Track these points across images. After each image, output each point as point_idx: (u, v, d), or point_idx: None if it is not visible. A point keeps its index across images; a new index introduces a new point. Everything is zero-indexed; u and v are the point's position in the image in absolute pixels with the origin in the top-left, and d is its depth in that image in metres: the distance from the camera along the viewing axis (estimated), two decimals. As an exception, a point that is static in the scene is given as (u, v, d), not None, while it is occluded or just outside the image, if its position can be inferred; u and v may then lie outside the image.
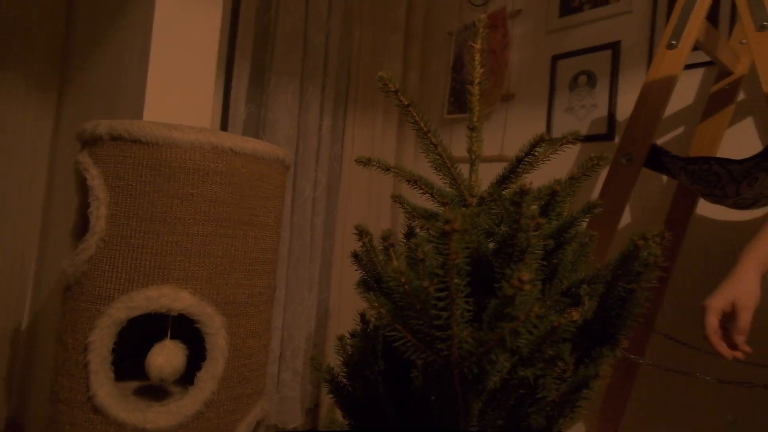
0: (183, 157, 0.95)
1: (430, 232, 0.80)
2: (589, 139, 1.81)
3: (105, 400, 0.89)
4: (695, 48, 1.23)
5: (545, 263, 0.74)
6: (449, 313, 0.50)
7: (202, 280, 0.96)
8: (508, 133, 2.09)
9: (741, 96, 1.45)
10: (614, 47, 1.75)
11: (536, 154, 0.75)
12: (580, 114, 1.83)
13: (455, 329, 0.50)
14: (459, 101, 2.25)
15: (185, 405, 0.93)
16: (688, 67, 1.57)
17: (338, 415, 0.72)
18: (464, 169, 2.21)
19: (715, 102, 1.43)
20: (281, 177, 1.13)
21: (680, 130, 1.60)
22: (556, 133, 1.91)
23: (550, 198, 0.66)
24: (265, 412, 1.12)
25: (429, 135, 0.81)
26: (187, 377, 1.00)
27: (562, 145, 0.84)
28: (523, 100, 2.03)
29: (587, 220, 0.73)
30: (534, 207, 0.65)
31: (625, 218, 1.69)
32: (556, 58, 1.92)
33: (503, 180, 0.77)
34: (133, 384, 1.09)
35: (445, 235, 0.49)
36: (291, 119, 2.02)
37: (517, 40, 2.07)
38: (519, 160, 0.75)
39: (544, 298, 0.76)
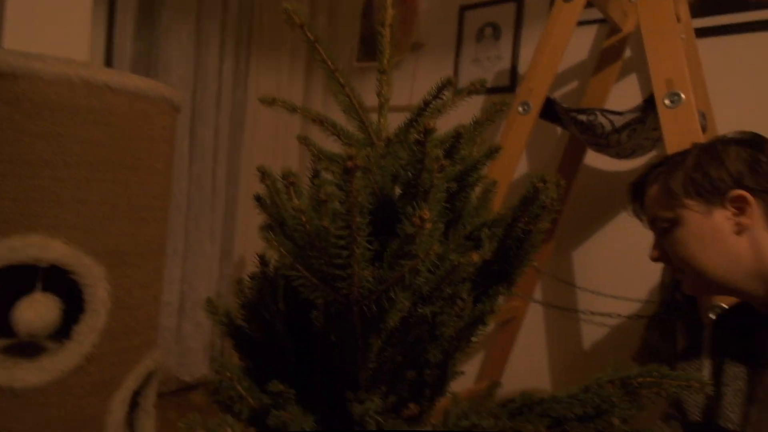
0: (47, 91, 0.82)
1: (335, 173, 0.77)
2: (492, 91, 1.85)
3: (-37, 362, 0.79)
4: (590, 5, 1.28)
5: (449, 206, 0.75)
6: (350, 252, 0.49)
7: (78, 228, 0.86)
8: (417, 83, 2.08)
9: (628, 53, 1.55)
10: (518, 0, 1.78)
11: (443, 98, 0.74)
12: (486, 65, 1.87)
13: (356, 268, 0.49)
14: (369, 48, 2.19)
15: (61, 360, 0.85)
16: (584, 23, 1.64)
17: (236, 358, 0.69)
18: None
19: (605, 58, 1.51)
20: (169, 119, 1.03)
21: (574, 84, 1.69)
22: (464, 83, 1.93)
23: (455, 140, 0.66)
24: (157, 363, 1.06)
25: (337, 74, 0.77)
26: (68, 333, 0.91)
27: (469, 93, 0.84)
28: (432, 50, 2.02)
29: (489, 163, 0.74)
30: (439, 150, 0.65)
31: (522, 168, 1.78)
32: (463, 9, 1.92)
33: (410, 124, 0.76)
34: (1, 342, 0.97)
35: (347, 172, 0.46)
36: (186, 60, 1.84)
37: (427, -14, 2.04)
38: (426, 104, 0.74)
39: (447, 241, 0.78)
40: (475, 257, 0.73)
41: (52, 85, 0.83)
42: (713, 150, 0.75)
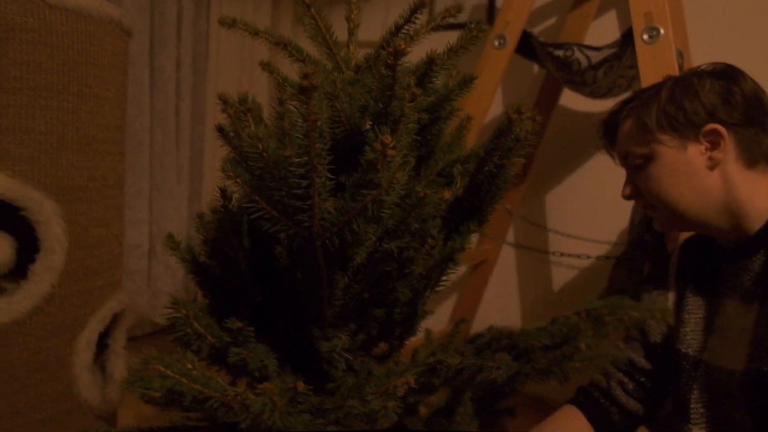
0: (-25, 3, 0.74)
1: (299, 101, 0.73)
2: (470, 25, 1.77)
3: None
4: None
5: (420, 139, 0.71)
6: (309, 181, 0.46)
7: (23, 159, 0.80)
8: (391, 17, 1.98)
9: (609, -13, 1.49)
10: (500, -74, 1.68)
11: (416, 22, 0.69)
12: (463, -2, 1.78)
13: (316, 198, 0.46)
14: (340, -24, 2.05)
15: (18, 301, 0.81)
16: (567, -47, 1.56)
17: (200, 295, 0.67)
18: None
19: (586, -8, 1.45)
20: (120, 43, 0.94)
21: (552, 20, 1.63)
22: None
23: (427, 68, 0.62)
24: (123, 304, 1.03)
25: (301, -8, 0.70)
26: (19, 274, 0.86)
27: (444, 18, 0.78)
28: (407, -21, 1.91)
29: (463, 95, 0.70)
30: (410, 78, 0.60)
31: (497, 107, 1.74)
32: (441, -66, 1.80)
33: (381, 49, 0.71)
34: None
35: (302, 92, 0.42)
36: (140, -20, 1.70)
37: None
38: (398, 28, 0.68)
39: (419, 177, 0.75)
40: (447, 194, 0.71)
41: (-20, 0, 0.74)
42: (688, 82, 0.72)
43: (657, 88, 0.75)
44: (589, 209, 1.60)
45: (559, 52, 1.17)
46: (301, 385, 0.48)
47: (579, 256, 1.51)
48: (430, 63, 0.61)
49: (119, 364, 1.07)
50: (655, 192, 0.74)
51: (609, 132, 0.81)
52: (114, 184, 0.95)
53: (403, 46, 0.50)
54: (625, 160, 0.78)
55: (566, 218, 1.65)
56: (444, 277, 0.70)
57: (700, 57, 1.36)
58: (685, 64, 1.32)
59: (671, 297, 0.79)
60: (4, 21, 0.76)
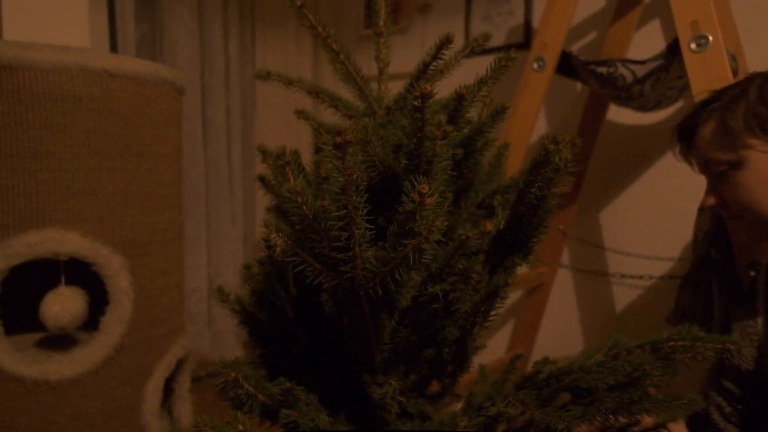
0: (46, 81, 0.81)
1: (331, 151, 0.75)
2: (507, 48, 1.77)
3: (-5, 358, 0.81)
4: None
5: (456, 173, 0.71)
6: (349, 233, 0.47)
7: (93, 219, 0.86)
8: (427, 46, 2.01)
9: (649, -3, 1.45)
10: (530, -51, 1.68)
11: (444, 57, 0.70)
12: (498, 22, 1.78)
13: (356, 250, 0.47)
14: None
15: (92, 352, 0.86)
16: (601, -32, 1.54)
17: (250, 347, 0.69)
18: (395, 85, 2.13)
19: (624, 4, 1.42)
20: (174, 102, 1.01)
21: (593, 35, 1.60)
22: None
23: (457, 103, 0.62)
24: (187, 350, 1.08)
25: (329, 41, 0.73)
26: (92, 326, 0.92)
27: (472, 49, 0.79)
28: (440, 11, 1.94)
29: (497, 125, 0.70)
30: (441, 116, 0.61)
31: (541, 128, 1.71)
32: (472, -37, 1.82)
33: (410, 89, 0.72)
34: (35, 336, 1.00)
35: (338, 148, 0.44)
36: (191, 39, 1.82)
37: (432, -57, 1.94)
38: (426, 65, 0.70)
39: (459, 210, 0.75)
40: (489, 226, 0.70)
41: (50, 74, 0.82)
42: None
43: (742, 86, 0.70)
44: (648, 225, 1.53)
45: (602, 69, 1.14)
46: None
47: (641, 277, 1.44)
48: (460, 99, 0.61)
49: (185, 408, 1.11)
50: (745, 202, 0.68)
51: (686, 136, 0.76)
52: (174, 236, 1.01)
53: (429, 88, 0.51)
54: (706, 167, 0.73)
55: (624, 236, 1.58)
56: (492, 312, 0.68)
57: (756, 58, 1.29)
58: (740, 67, 1.26)
59: (760, 322, 0.73)
60: (72, 92, 0.83)
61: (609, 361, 0.62)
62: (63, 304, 0.87)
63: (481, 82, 0.67)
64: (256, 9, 2.01)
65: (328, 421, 0.54)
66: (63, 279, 0.91)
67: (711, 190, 0.73)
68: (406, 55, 2.07)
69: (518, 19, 1.73)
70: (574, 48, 1.64)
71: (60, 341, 0.98)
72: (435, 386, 0.71)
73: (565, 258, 1.69)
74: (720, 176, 0.70)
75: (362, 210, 0.46)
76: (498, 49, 1.79)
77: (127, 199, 0.91)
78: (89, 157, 0.86)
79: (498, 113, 0.66)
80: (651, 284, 1.52)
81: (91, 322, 0.93)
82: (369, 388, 0.61)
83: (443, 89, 0.76)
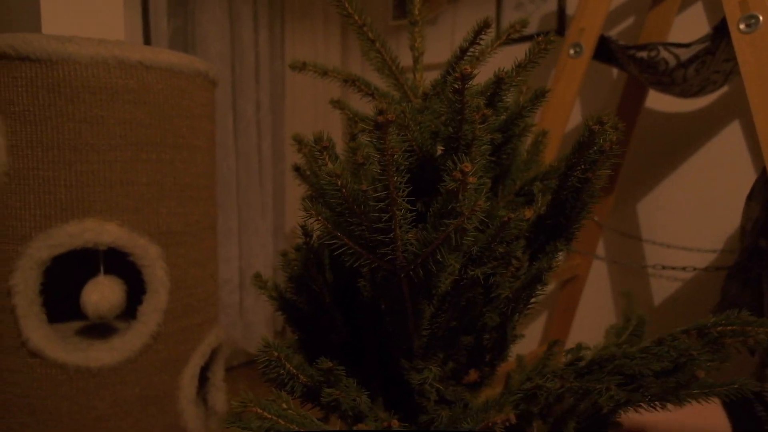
0: (84, 74, 0.83)
1: (371, 134, 0.74)
2: (540, 36, 1.73)
3: (40, 343, 0.83)
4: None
5: (495, 160, 0.70)
6: (390, 214, 0.45)
7: (130, 210, 0.88)
8: (457, 37, 1.98)
9: (691, -22, 1.39)
10: (563, -67, 1.63)
11: (481, 43, 0.68)
12: (530, 9, 1.74)
13: (397, 231, 0.46)
14: (404, 5, 2.10)
15: (130, 340, 0.88)
16: (639, -50, 1.49)
17: (289, 331, 0.69)
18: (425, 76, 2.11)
19: (666, -14, 1.36)
20: (207, 94, 1.02)
21: (630, 20, 1.54)
22: (506, 33, 1.82)
23: (496, 87, 0.60)
24: (221, 339, 1.09)
25: (365, 29, 0.72)
26: (130, 314, 0.94)
27: (509, 36, 0.76)
28: (470, 0, 1.91)
29: (536, 110, 0.68)
30: (479, 100, 0.59)
31: (576, 117, 1.67)
32: (503, -51, 1.78)
33: (447, 74, 0.71)
34: (77, 325, 1.03)
35: (379, 128, 0.42)
36: (222, 34, 1.84)
37: (462, -70, 1.91)
38: (463, 51, 0.68)
39: (496, 198, 0.73)
40: (528, 213, 0.68)
41: (88, 68, 0.83)
42: None
43: None
44: (689, 216, 1.47)
45: (643, 54, 1.10)
46: (395, 424, 0.48)
47: (684, 269, 1.38)
48: (499, 82, 0.59)
49: (220, 396, 1.13)
50: None
51: None
52: (208, 227, 1.02)
53: (469, 69, 0.49)
54: None
55: (663, 227, 1.52)
56: (533, 299, 0.66)
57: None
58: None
59: None
60: (109, 85, 0.85)
61: (653, 347, 0.59)
62: (102, 293, 0.88)
63: (520, 67, 0.65)
64: (285, 3, 2.02)
65: (368, 402, 0.53)
66: (102, 268, 0.92)
67: None
68: (436, 46, 2.04)
69: (551, 5, 1.69)
70: (612, 32, 1.59)
71: (99, 330, 1.00)
72: (473, 375, 0.70)
73: (601, 250, 1.65)
74: None
75: (403, 190, 0.45)
76: (531, 37, 1.75)
77: (163, 190, 0.92)
78: (126, 149, 0.87)
79: (537, 98, 0.64)
80: (690, 277, 1.46)
81: (129, 311, 0.95)
82: (407, 374, 0.60)
83: (478, 78, 0.74)
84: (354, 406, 0.51)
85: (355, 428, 0.52)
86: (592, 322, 1.69)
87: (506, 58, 0.70)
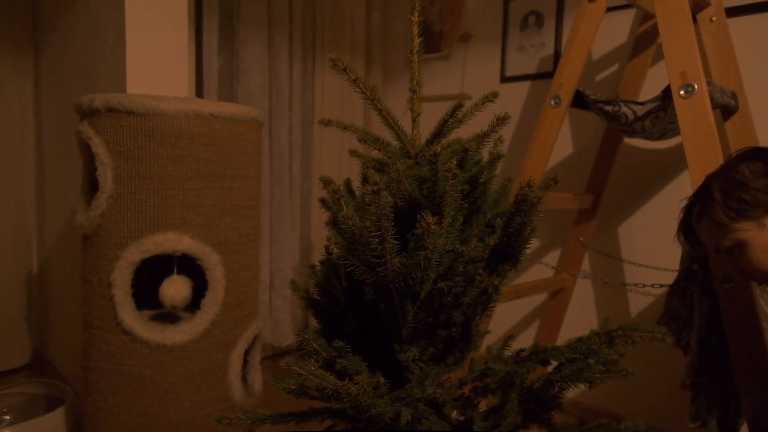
0: (171, 124, 1.12)
1: (379, 175, 0.99)
2: (538, 76, 1.97)
3: (131, 324, 1.12)
4: (620, -3, 1.38)
5: (467, 201, 0.95)
6: (383, 247, 0.72)
7: (199, 225, 1.16)
8: (467, 72, 2.24)
9: (664, 37, 1.62)
10: (560, -12, 1.88)
11: (458, 116, 0.94)
12: (531, 52, 1.99)
13: (387, 257, 0.72)
14: (423, 40, 2.36)
15: (195, 325, 1.16)
16: (622, 7, 1.72)
17: (313, 321, 0.96)
18: (436, 107, 2.37)
19: (640, 43, 1.60)
20: (256, 134, 1.30)
21: (615, 67, 1.78)
22: (510, 70, 2.07)
23: (464, 154, 0.86)
24: (260, 329, 1.37)
25: (375, 102, 0.98)
26: (192, 306, 1.22)
27: (484, 103, 1.02)
28: (480, 40, 2.16)
29: (494, 168, 0.93)
30: (452, 162, 0.85)
31: (567, 149, 1.90)
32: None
33: (434, 138, 0.97)
34: (149, 312, 1.32)
35: (374, 193, 0.69)
36: (262, 68, 2.13)
37: (474, -21, 2.17)
38: (444, 122, 0.94)
39: (471, 228, 0.99)
40: (491, 240, 0.93)
41: (174, 119, 1.12)
42: (731, 177, 0.85)
43: (706, 190, 0.89)
44: (660, 239, 1.69)
45: (608, 108, 1.34)
46: (381, 379, 0.74)
47: (652, 286, 1.61)
48: (465, 151, 0.85)
49: (257, 376, 1.40)
50: (760, 269, 0.86)
51: (690, 238, 0.96)
52: (254, 239, 1.30)
53: (439, 150, 0.76)
54: (718, 252, 0.91)
55: (639, 248, 1.75)
56: (491, 305, 0.92)
57: (756, 94, 1.44)
58: (741, 103, 1.42)
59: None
60: (188, 131, 1.13)
61: (573, 343, 0.84)
62: (176, 288, 1.17)
63: (483, 136, 0.91)
64: (316, 41, 2.30)
65: (367, 370, 0.79)
66: (175, 269, 1.21)
67: (735, 269, 0.89)
68: (448, 79, 2.30)
69: (549, 50, 1.93)
70: (599, 78, 1.82)
71: (168, 317, 1.29)
72: (450, 360, 0.95)
73: (586, 266, 1.88)
74: (732, 256, 0.88)
75: (391, 231, 0.71)
76: (531, 76, 2.00)
77: (223, 210, 1.20)
78: (198, 179, 1.16)
79: (494, 160, 0.90)
80: (662, 292, 1.68)
81: (193, 303, 1.23)
82: (397, 354, 0.86)
83: (476, 121, 0.99)
84: (357, 372, 0.77)
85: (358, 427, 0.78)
86: (579, 331, 1.92)
87: (514, 91, 0.93)
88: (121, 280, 1.12)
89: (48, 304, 2.05)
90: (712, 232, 0.88)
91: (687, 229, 0.95)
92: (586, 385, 0.84)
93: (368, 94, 0.97)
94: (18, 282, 2.06)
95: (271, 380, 0.84)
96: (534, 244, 2.02)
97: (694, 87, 1.16)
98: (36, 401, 1.64)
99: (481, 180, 0.91)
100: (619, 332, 0.81)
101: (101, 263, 1.14)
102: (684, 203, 0.97)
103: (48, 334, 2.06)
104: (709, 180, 0.90)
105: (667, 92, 1.25)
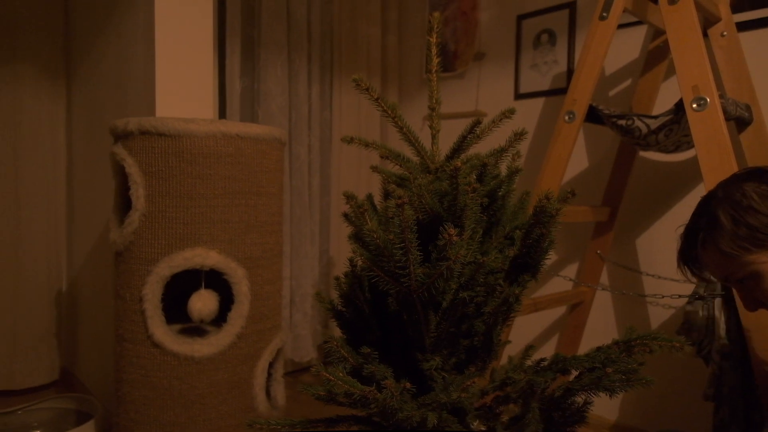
0: (200, 144, 1.17)
1: (401, 190, 1.02)
2: (551, 93, 2.01)
3: (161, 337, 1.16)
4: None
5: (486, 215, 0.98)
6: (407, 258, 0.75)
7: (225, 241, 1.21)
8: (482, 90, 2.28)
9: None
10: (571, 6, 1.92)
11: (476, 132, 0.98)
12: (543, 70, 2.02)
13: (411, 267, 0.75)
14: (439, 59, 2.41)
15: (222, 338, 1.20)
16: (633, 24, 1.75)
17: (337, 331, 0.99)
18: (451, 124, 2.41)
19: (652, 58, 1.62)
20: (279, 153, 1.35)
21: (628, 82, 1.80)
22: (524, 88, 2.11)
23: (482, 169, 0.89)
24: (283, 342, 1.40)
25: (396, 120, 1.03)
26: (218, 320, 1.26)
27: (501, 119, 1.05)
28: (494, 58, 2.21)
29: (513, 181, 0.96)
30: (472, 176, 0.89)
31: (582, 163, 1.92)
32: (521, 18, 2.08)
33: (453, 153, 1.00)
34: (177, 326, 1.36)
35: (398, 207, 0.73)
36: (282, 90, 2.20)
37: (485, 1, 2.22)
38: (463, 137, 0.97)
39: (491, 240, 1.01)
40: (511, 252, 0.96)
41: (203, 140, 1.18)
42: (736, 202, 0.78)
43: (711, 215, 0.81)
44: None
45: (622, 122, 1.36)
46: (408, 384, 0.76)
47: (671, 296, 1.61)
48: (484, 166, 0.88)
49: (280, 389, 1.43)
50: None
51: (692, 265, 0.88)
52: (277, 254, 1.34)
53: (459, 164, 0.79)
54: (727, 281, 0.84)
55: (657, 261, 1.75)
56: (512, 314, 0.94)
57: (770, 107, 1.45)
58: (755, 115, 1.43)
59: None
60: (215, 151, 1.19)
61: (592, 353, 0.86)
62: (204, 302, 1.21)
63: (500, 151, 0.94)
64: (333, 63, 2.37)
65: (392, 377, 0.82)
66: (203, 283, 1.25)
67: (745, 298, 0.82)
68: (463, 96, 2.34)
69: (562, 67, 1.96)
70: (612, 93, 1.85)
71: (193, 331, 1.33)
72: (471, 369, 0.97)
73: (605, 279, 1.88)
74: (744, 286, 0.81)
75: (415, 243, 0.74)
76: (545, 93, 2.03)
77: (248, 226, 1.24)
78: (224, 197, 1.20)
79: (512, 174, 0.93)
80: (682, 303, 1.67)
81: (220, 316, 1.27)
82: (420, 363, 0.89)
83: (498, 133, 1.02)
84: (383, 378, 0.80)
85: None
86: (598, 341, 1.91)
87: (531, 107, 0.98)
88: (152, 294, 1.16)
89: (77, 321, 2.11)
90: (720, 262, 0.81)
91: (689, 257, 0.87)
92: (606, 394, 0.86)
93: (389, 112, 1.01)
94: (48, 300, 2.12)
95: (300, 387, 0.87)
96: (552, 257, 2.03)
97: (706, 100, 1.18)
98: (66, 416, 1.68)
99: (500, 193, 0.95)
100: (638, 341, 0.83)
101: (133, 278, 1.19)
102: (681, 230, 0.89)
103: (76, 351, 2.11)
104: (710, 203, 0.82)
105: (679, 105, 1.27)
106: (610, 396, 0.86)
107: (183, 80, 1.51)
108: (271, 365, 1.41)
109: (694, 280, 0.87)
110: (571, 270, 1.98)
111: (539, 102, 2.06)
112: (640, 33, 1.76)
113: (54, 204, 2.13)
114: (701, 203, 0.86)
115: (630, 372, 0.84)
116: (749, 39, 1.50)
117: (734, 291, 0.83)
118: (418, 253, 0.75)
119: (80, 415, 1.67)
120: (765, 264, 0.76)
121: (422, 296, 0.79)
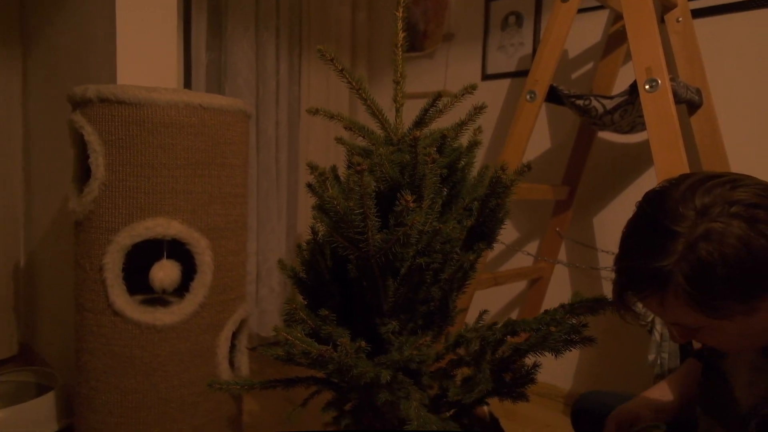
0: (162, 114, 1.16)
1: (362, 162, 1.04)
2: (517, 74, 2.04)
3: (122, 306, 1.16)
4: (592, -3, 1.45)
5: (446, 186, 1.01)
6: (365, 224, 0.78)
7: (188, 211, 1.20)
8: (450, 70, 2.30)
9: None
10: (538, -11, 1.95)
11: (438, 106, 1.00)
12: (510, 51, 2.06)
13: (369, 234, 0.78)
14: (408, 39, 2.42)
15: (184, 307, 1.20)
16: (595, 8, 1.80)
17: (299, 297, 1.01)
18: (419, 103, 2.44)
19: (612, 42, 1.67)
20: (244, 125, 1.35)
21: (590, 65, 1.85)
22: (491, 69, 2.14)
23: (442, 140, 0.92)
24: (247, 313, 1.41)
25: (360, 92, 1.04)
26: (181, 291, 1.26)
27: (463, 94, 1.08)
28: (462, 40, 2.23)
29: (473, 153, 0.99)
30: (432, 148, 0.91)
31: (545, 143, 1.98)
32: (489, 0, 2.10)
33: (415, 125, 1.03)
34: (140, 297, 1.35)
35: (357, 173, 0.75)
36: (249, 64, 2.17)
37: (456, -21, 2.23)
38: (425, 111, 1.00)
39: (450, 211, 1.05)
40: (469, 222, 0.99)
41: (165, 109, 1.16)
42: (696, 260, 0.60)
43: (659, 273, 0.62)
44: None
45: (580, 102, 1.41)
46: (363, 343, 0.79)
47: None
48: (443, 138, 0.91)
49: (243, 359, 1.45)
50: (727, 347, 0.68)
51: (627, 306, 0.70)
52: (241, 226, 1.34)
53: (418, 134, 0.81)
54: (675, 325, 0.68)
55: (613, 238, 1.83)
56: (467, 281, 0.98)
57: (720, 91, 1.52)
58: (705, 99, 1.50)
59: None
60: (178, 121, 1.18)
61: (541, 316, 0.91)
62: (166, 272, 1.21)
63: (461, 124, 0.97)
64: (302, 38, 2.35)
65: (349, 338, 0.84)
66: (165, 253, 1.25)
67: (681, 334, 0.68)
68: (431, 76, 2.36)
69: (528, 49, 2.00)
70: (575, 75, 1.90)
71: (156, 302, 1.33)
72: (429, 334, 1.01)
73: (563, 255, 1.95)
74: (696, 330, 0.66)
75: (374, 210, 0.77)
76: (511, 74, 2.07)
77: (211, 197, 1.24)
78: (187, 167, 1.20)
79: (472, 146, 0.96)
80: (633, 280, 1.76)
81: (182, 286, 1.27)
82: (379, 327, 0.92)
83: (460, 108, 1.05)
84: (340, 337, 0.83)
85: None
86: (555, 317, 1.99)
87: (495, 88, 1.00)
88: (113, 263, 1.16)
89: (36, 295, 2.06)
90: (687, 312, 0.63)
91: (623, 300, 0.69)
92: (553, 355, 0.91)
93: (354, 84, 1.02)
94: (5, 274, 2.07)
95: (260, 349, 0.89)
96: (513, 234, 2.09)
97: (658, 82, 1.23)
98: (25, 388, 1.66)
99: (460, 165, 0.98)
100: (581, 303, 0.88)
101: (93, 248, 1.18)
102: (613, 268, 0.72)
103: (35, 325, 2.07)
104: (684, 234, 0.61)
105: (634, 87, 1.32)
106: (555, 356, 0.91)
107: (146, 48, 1.48)
108: (234, 336, 1.42)
109: (628, 318, 0.72)
110: (533, 247, 2.05)
111: (506, 83, 2.09)
112: (602, 17, 1.81)
113: (9, 177, 2.06)
114: (627, 234, 0.70)
115: (573, 332, 0.89)
116: (703, 25, 1.56)
117: (667, 324, 0.71)
118: (377, 220, 0.77)
119: (40, 388, 1.65)
120: (737, 316, 0.61)
121: (380, 261, 0.81)
